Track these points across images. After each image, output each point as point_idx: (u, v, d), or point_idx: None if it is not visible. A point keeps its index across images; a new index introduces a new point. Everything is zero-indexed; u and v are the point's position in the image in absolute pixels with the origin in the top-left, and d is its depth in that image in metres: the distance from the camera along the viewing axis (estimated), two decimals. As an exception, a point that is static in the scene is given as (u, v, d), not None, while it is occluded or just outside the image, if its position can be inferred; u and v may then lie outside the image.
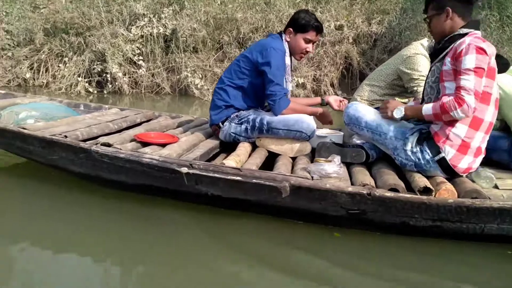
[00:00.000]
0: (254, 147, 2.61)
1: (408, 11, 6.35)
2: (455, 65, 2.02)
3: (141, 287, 1.62)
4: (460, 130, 2.03)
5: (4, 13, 6.70)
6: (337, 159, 2.11)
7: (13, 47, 6.57)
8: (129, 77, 6.32)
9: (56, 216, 2.14)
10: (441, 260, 1.86)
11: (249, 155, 2.46)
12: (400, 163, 2.20)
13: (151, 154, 2.19)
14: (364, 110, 2.36)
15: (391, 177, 2.03)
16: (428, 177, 2.07)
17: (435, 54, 2.23)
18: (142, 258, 1.79)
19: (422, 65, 2.72)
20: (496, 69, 2.06)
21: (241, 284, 1.67)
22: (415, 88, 2.73)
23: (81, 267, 1.73)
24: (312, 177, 2.06)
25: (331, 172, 2.05)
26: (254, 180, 1.99)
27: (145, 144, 2.43)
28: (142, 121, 3.18)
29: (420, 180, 1.96)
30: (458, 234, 1.91)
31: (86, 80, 6.28)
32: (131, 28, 6.28)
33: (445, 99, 2.01)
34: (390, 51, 6.05)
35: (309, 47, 2.62)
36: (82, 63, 6.30)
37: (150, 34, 6.29)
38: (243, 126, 2.59)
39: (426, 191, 1.90)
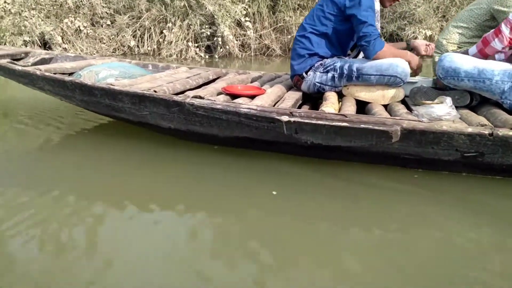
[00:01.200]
0: (340, 97, 2.51)
1: None
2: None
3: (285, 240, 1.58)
4: None
5: None
6: (448, 100, 1.99)
7: (110, 14, 6.43)
8: (237, 40, 6.11)
9: (154, 174, 2.13)
10: None
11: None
12: (510, 106, 2.06)
13: (247, 104, 2.13)
14: (460, 60, 2.20)
15: (510, 117, 1.89)
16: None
17: None
18: (270, 212, 1.76)
19: None
20: None
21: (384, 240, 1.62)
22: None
23: (195, 222, 1.70)
24: (421, 120, 1.95)
25: (443, 114, 1.94)
26: (362, 125, 1.90)
27: (233, 96, 2.37)
28: (215, 78, 3.13)
29: (545, 118, 1.82)
30: None
31: (196, 45, 6.08)
32: None
33: (486, 34, 2.29)
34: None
35: None
36: (189, 28, 6.08)
37: None
38: (330, 75, 2.49)
39: (554, 128, 1.77)
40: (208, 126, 2.24)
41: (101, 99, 2.40)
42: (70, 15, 6.20)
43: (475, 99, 2.25)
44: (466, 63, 2.16)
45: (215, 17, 5.80)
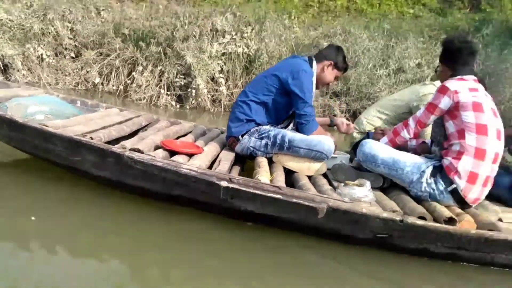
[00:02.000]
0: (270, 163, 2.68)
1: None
2: None
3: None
4: (466, 162, 2.23)
5: (68, 11, 6.19)
6: (368, 184, 2.25)
7: (74, 46, 6.10)
8: (209, 94, 6.03)
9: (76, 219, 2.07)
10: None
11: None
12: (415, 194, 2.36)
13: (188, 165, 2.19)
14: (378, 148, 2.49)
15: (417, 206, 2.19)
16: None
17: None
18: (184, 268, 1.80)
19: None
20: (485, 102, 2.30)
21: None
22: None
23: (108, 271, 1.70)
24: (344, 200, 2.17)
25: (362, 196, 2.19)
26: (294, 200, 2.07)
27: (171, 152, 2.41)
28: (146, 124, 3.14)
29: (444, 210, 2.15)
30: (469, 261, 2.13)
31: (168, 93, 5.93)
32: (214, 45, 6.00)
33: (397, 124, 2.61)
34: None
35: (335, 81, 2.97)
36: (161, 74, 5.93)
37: (232, 53, 6.04)
38: (264, 141, 2.66)
39: (450, 221, 2.09)
40: (141, 180, 2.24)
41: (30, 138, 2.29)
42: (34, 41, 5.86)
43: (386, 182, 2.55)
44: (383, 151, 2.46)
45: (192, 69, 5.78)
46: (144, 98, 5.85)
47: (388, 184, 2.54)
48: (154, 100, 5.89)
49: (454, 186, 2.26)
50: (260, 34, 6.25)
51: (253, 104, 2.69)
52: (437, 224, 2.05)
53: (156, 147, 2.47)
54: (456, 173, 2.25)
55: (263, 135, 2.67)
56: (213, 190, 2.12)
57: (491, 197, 2.46)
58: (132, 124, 2.89)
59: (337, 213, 2.09)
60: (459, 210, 2.22)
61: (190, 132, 3.19)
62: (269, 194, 2.08)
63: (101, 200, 2.32)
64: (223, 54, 6.10)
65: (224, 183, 2.09)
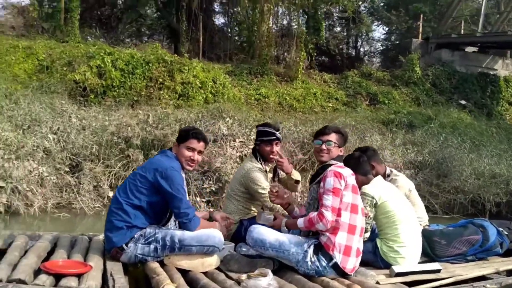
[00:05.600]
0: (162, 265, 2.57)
1: None
2: (322, 186, 2.64)
3: None
4: (341, 237, 2.57)
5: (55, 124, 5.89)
6: (269, 272, 2.37)
7: (69, 158, 5.72)
8: None
9: None
10: None
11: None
12: (304, 272, 2.59)
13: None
14: (266, 232, 2.68)
15: (315, 285, 2.38)
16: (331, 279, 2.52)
17: (312, 177, 2.87)
18: None
19: (260, 178, 3.17)
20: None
21: None
22: (266, 204, 3.11)
23: None
24: (253, 293, 2.23)
25: (267, 285, 2.28)
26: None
27: (57, 275, 2.12)
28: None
29: (337, 285, 2.38)
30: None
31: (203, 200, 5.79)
32: (227, 148, 6.14)
33: (311, 214, 2.61)
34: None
35: (193, 155, 2.73)
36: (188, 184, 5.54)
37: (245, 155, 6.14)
38: (152, 246, 2.55)
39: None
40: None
41: None
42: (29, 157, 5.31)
43: (275, 264, 2.71)
44: (270, 235, 2.65)
45: (222, 174, 6.06)
46: None
47: (277, 266, 2.70)
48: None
49: (334, 261, 2.54)
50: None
51: (129, 209, 2.57)
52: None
53: (36, 272, 2.14)
54: (334, 248, 2.54)
55: (150, 239, 2.56)
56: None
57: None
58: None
59: (251, 310, 2.13)
60: (348, 282, 2.48)
61: (56, 243, 2.84)
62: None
63: None
64: (240, 157, 6.51)
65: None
